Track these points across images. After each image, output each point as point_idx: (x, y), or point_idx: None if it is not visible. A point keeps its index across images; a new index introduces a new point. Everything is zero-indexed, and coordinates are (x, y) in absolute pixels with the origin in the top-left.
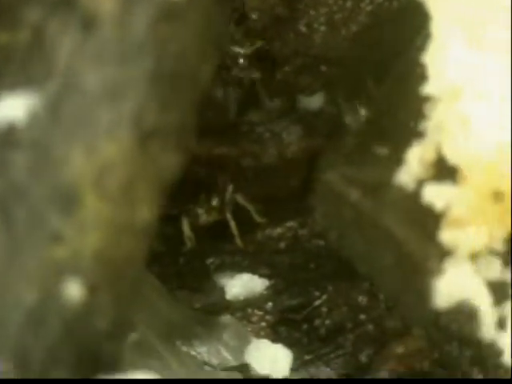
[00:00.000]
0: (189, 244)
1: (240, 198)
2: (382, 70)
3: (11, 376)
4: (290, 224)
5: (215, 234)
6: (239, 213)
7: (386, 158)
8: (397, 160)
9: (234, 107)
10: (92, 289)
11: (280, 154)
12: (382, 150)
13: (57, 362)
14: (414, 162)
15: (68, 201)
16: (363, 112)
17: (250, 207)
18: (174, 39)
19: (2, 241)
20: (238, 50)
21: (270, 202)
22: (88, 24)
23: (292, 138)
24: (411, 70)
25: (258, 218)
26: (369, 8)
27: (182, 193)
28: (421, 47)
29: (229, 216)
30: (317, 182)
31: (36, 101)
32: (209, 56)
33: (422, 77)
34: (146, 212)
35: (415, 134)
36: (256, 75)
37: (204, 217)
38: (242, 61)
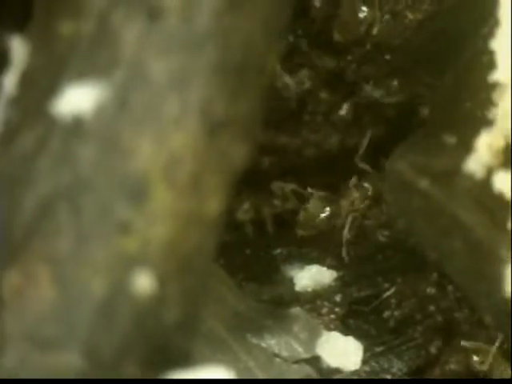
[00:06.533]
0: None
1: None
2: (446, 59)
3: (82, 370)
4: (355, 214)
5: (282, 225)
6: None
7: (455, 146)
8: (466, 148)
9: (295, 96)
10: (162, 281)
11: (342, 144)
12: (451, 139)
13: (128, 355)
14: (483, 149)
15: (136, 192)
16: (428, 100)
17: (315, 196)
18: (240, 29)
19: (70, 232)
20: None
21: (333, 191)
22: (153, 14)
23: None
24: (478, 57)
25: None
26: None
27: (247, 183)
28: (488, 34)
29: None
30: (385, 171)
31: (103, 91)
32: (274, 45)
33: (489, 64)
34: (214, 203)
35: (483, 122)
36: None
37: (276, 207)
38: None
